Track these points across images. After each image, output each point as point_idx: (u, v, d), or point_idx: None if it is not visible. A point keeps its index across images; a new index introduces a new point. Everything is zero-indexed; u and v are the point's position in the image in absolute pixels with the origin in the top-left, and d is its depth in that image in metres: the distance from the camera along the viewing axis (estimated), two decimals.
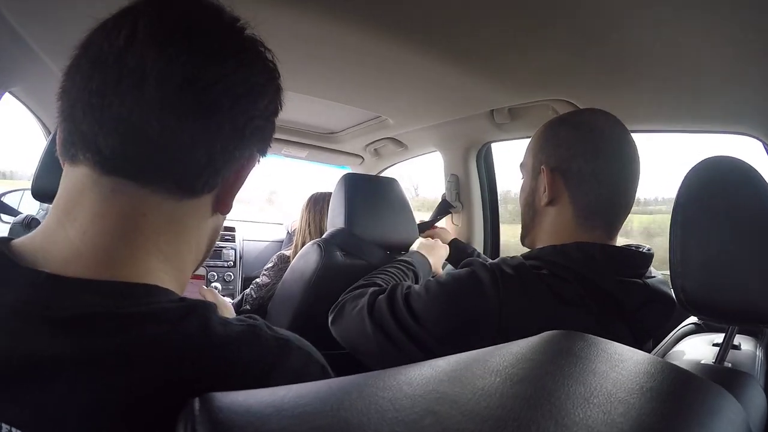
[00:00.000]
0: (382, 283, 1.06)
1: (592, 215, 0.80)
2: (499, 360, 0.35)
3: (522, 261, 0.78)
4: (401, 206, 1.46)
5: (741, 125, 1.13)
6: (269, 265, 1.78)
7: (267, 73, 0.47)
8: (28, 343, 0.34)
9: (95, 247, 0.39)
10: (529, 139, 0.92)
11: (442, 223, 1.83)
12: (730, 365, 0.71)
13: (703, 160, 0.71)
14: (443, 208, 1.79)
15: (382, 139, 1.96)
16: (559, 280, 0.73)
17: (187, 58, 0.40)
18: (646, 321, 0.76)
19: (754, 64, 0.90)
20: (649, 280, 0.78)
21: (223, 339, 0.38)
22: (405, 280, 1.14)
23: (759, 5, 0.75)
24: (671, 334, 1.01)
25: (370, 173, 2.31)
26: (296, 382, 0.32)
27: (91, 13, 0.42)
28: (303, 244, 1.64)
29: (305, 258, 1.41)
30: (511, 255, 0.84)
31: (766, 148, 1.10)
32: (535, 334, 0.70)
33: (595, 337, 0.49)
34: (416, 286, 0.85)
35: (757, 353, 0.81)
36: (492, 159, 1.80)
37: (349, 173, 1.45)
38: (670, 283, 0.72)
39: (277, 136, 1.80)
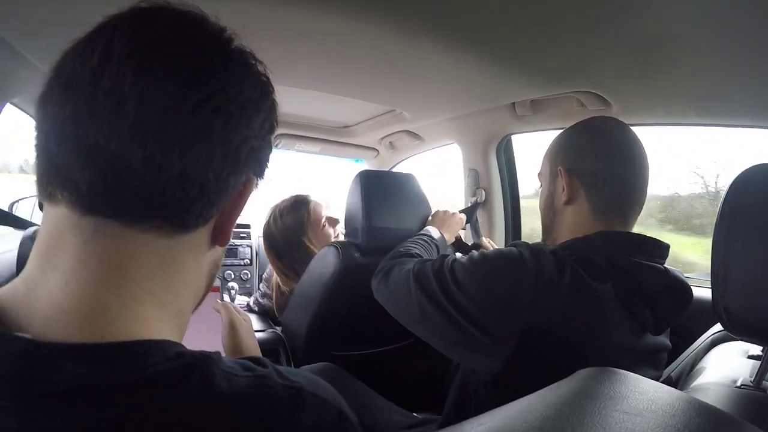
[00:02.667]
0: (423, 253, 1.14)
1: (608, 210, 0.85)
2: None
3: (556, 248, 0.82)
4: (420, 201, 1.41)
5: None
6: (266, 275, 1.73)
7: (260, 87, 0.42)
8: (15, 421, 0.30)
9: (79, 301, 0.34)
10: (550, 139, 0.96)
11: None
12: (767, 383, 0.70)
13: (749, 169, 0.67)
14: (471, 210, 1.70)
15: (398, 132, 1.89)
16: (586, 261, 0.78)
17: (171, 78, 0.35)
18: (665, 307, 0.79)
19: None
20: (667, 267, 0.81)
21: (228, 398, 0.34)
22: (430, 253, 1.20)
23: None
24: (701, 339, 0.96)
25: (386, 166, 2.26)
26: None
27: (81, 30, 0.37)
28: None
29: (323, 261, 1.38)
30: None
31: None
32: (567, 304, 0.74)
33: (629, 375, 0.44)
34: (462, 257, 0.89)
35: None
36: (512, 152, 1.73)
37: (364, 170, 1.40)
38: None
39: (289, 131, 1.78)
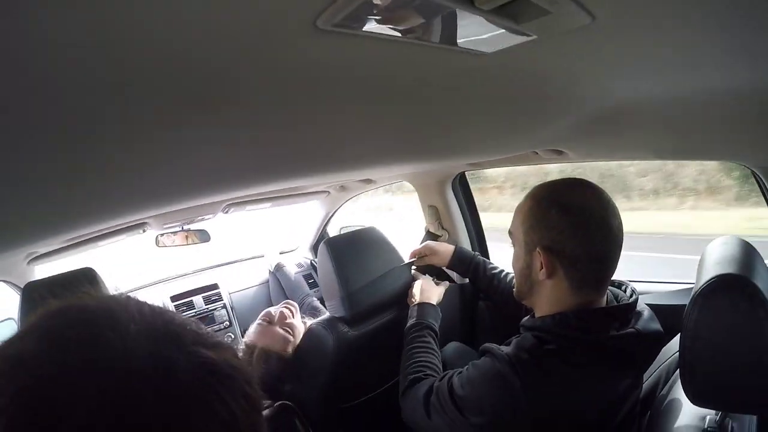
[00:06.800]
0: (428, 367, 1.19)
1: (585, 285, 0.89)
2: None
3: (533, 341, 0.89)
4: (387, 248, 1.48)
5: (735, 157, 1.20)
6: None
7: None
8: None
9: None
10: (516, 212, 0.97)
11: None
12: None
13: (713, 280, 0.75)
14: (428, 240, 1.75)
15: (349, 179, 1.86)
16: (567, 349, 0.86)
17: None
18: (645, 359, 0.95)
19: (747, 102, 0.87)
20: (639, 325, 0.90)
21: None
22: (434, 349, 1.26)
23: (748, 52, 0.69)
24: (672, 350, 1.07)
25: (336, 204, 2.25)
26: None
27: None
28: None
29: (315, 342, 1.40)
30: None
31: (756, 178, 1.21)
32: (562, 401, 0.82)
33: None
34: (456, 381, 0.97)
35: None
36: (468, 184, 1.75)
37: (329, 239, 1.43)
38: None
39: (236, 200, 1.66)
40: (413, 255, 1.54)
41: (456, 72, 0.60)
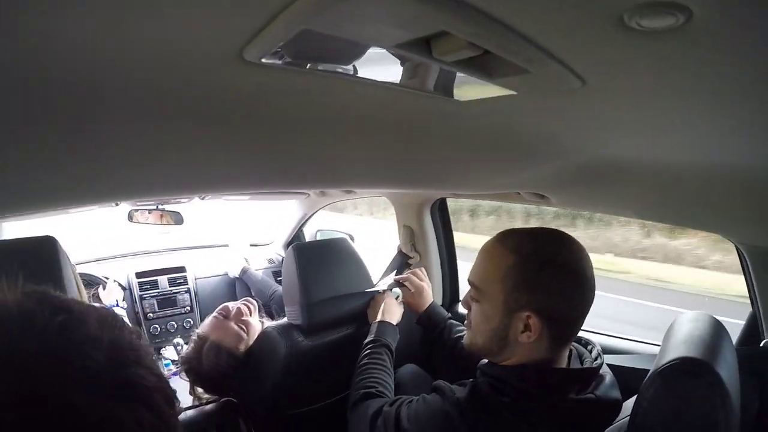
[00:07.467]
0: (381, 384, 1.17)
1: (561, 341, 0.86)
2: None
3: (489, 390, 0.85)
4: (356, 264, 1.47)
5: (719, 230, 1.19)
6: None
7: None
8: None
9: None
10: (485, 262, 0.89)
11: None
12: None
13: (674, 362, 0.73)
14: (401, 261, 1.74)
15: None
16: (521, 404, 0.81)
17: None
18: (599, 426, 0.86)
19: (734, 177, 0.85)
20: (599, 392, 0.85)
21: None
22: (389, 368, 1.24)
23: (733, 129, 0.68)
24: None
25: (315, 207, 2.23)
26: None
27: None
28: None
29: (266, 347, 1.38)
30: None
31: (738, 254, 1.21)
32: None
33: None
34: (404, 411, 0.94)
35: None
36: (447, 210, 1.75)
37: (297, 244, 1.42)
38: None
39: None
40: (397, 281, 1.48)
41: (421, 112, 0.58)
